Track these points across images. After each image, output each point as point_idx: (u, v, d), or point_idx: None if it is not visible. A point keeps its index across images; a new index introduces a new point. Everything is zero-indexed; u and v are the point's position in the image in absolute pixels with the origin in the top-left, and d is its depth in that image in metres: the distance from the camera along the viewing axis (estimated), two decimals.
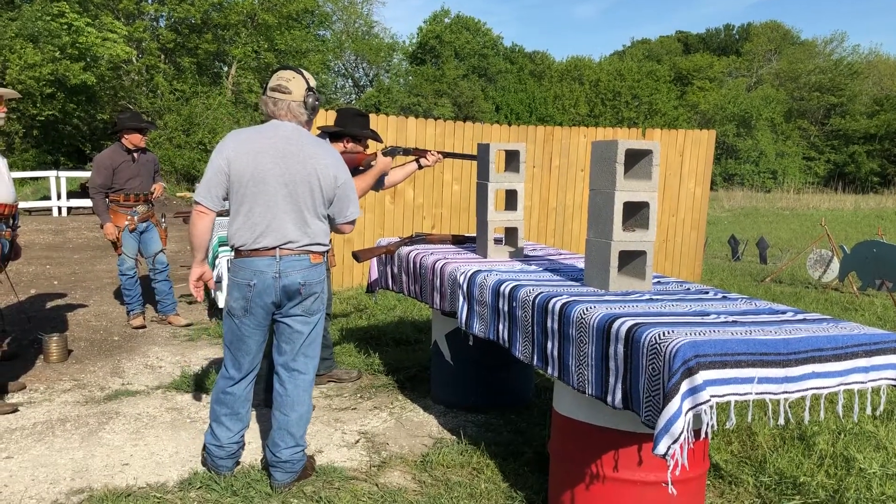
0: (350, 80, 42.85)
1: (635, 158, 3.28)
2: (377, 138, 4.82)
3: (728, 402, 2.40)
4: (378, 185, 4.78)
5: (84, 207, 17.46)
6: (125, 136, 6.33)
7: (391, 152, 4.68)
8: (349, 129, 4.66)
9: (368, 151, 4.73)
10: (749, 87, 51.40)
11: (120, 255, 6.49)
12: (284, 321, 3.36)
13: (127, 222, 6.41)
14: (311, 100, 3.30)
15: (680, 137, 9.62)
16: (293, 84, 3.28)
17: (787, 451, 3.85)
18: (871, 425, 4.14)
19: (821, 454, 3.78)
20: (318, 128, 4.93)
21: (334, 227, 3.45)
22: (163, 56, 26.58)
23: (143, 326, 6.69)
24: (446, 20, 44.82)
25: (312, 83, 3.34)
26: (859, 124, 47.80)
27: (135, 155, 6.40)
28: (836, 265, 9.10)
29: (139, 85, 25.76)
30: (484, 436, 4.12)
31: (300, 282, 3.26)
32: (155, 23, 27.34)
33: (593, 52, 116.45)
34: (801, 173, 45.50)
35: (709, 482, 3.57)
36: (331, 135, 4.63)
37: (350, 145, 4.66)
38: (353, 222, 3.45)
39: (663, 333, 2.46)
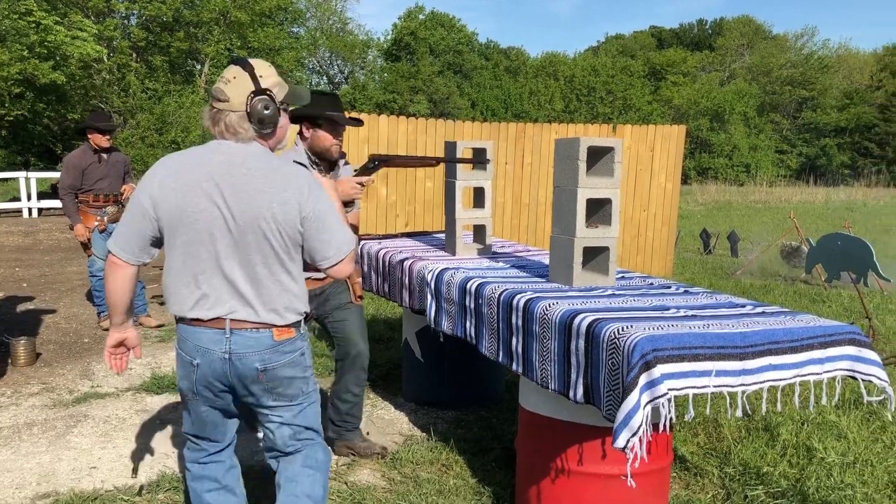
0: (325, 78, 42.68)
1: (598, 155, 3.31)
2: (347, 121, 3.65)
3: (686, 395, 2.44)
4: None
5: (55, 208, 17.25)
6: (90, 136, 6.28)
7: (378, 165, 3.67)
8: (305, 108, 3.42)
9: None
10: (722, 82, 51.87)
11: (90, 256, 6.44)
12: (256, 408, 2.53)
13: (97, 223, 6.36)
14: (260, 107, 2.30)
15: (650, 133, 9.70)
16: (233, 87, 2.31)
17: (752, 442, 3.91)
18: (833, 415, 4.21)
19: (784, 444, 3.84)
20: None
21: (323, 272, 2.51)
22: (134, 55, 26.34)
23: None
24: (420, 17, 44.80)
25: (271, 81, 2.35)
26: (830, 118, 48.46)
27: (102, 155, 6.35)
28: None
29: (111, 84, 25.49)
30: (454, 432, 4.14)
31: (258, 367, 2.38)
32: (126, 21, 27.08)
33: (568, 47, 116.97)
34: (774, 166, 46.03)
35: (675, 474, 3.63)
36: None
37: (310, 133, 3.54)
38: (343, 261, 2.44)
39: (622, 328, 2.50)
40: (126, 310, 2.50)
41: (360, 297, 3.87)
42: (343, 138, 3.68)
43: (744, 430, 4.08)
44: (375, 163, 3.64)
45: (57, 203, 16.00)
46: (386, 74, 42.13)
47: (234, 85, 2.32)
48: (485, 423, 4.25)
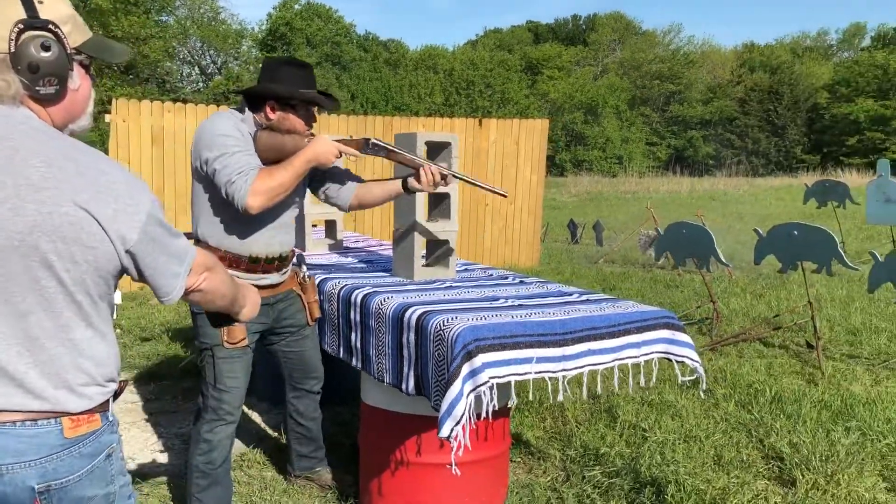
0: (196, 68, 41.29)
1: (437, 150, 3.36)
2: (331, 104, 3.03)
3: (509, 382, 2.51)
4: (336, 197, 3.14)
5: None
6: None
7: (374, 149, 2.94)
8: (271, 85, 2.86)
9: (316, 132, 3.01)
10: (595, 76, 53.70)
11: None
12: None
13: None
14: (34, 47, 1.40)
15: (515, 126, 9.93)
16: None
17: (595, 425, 4.07)
18: (671, 395, 4.45)
19: (622, 425, 4.03)
20: (236, 92, 3.46)
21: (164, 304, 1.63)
22: None
23: None
24: (296, 7, 44.04)
25: (59, 13, 1.45)
26: (696, 111, 51.07)
27: None
28: None
29: None
30: None
31: (34, 486, 1.40)
32: None
33: (447, 41, 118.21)
34: (645, 158, 48.08)
35: (518, 458, 3.73)
36: (249, 102, 2.92)
37: (277, 115, 2.86)
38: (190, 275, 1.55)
39: (447, 320, 2.54)
40: None
41: (315, 319, 3.24)
42: (316, 125, 3.03)
43: (588, 413, 4.25)
44: (370, 147, 2.93)
45: None
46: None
47: None
48: (337, 420, 4.24)
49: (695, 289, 8.24)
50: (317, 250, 4.22)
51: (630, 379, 2.77)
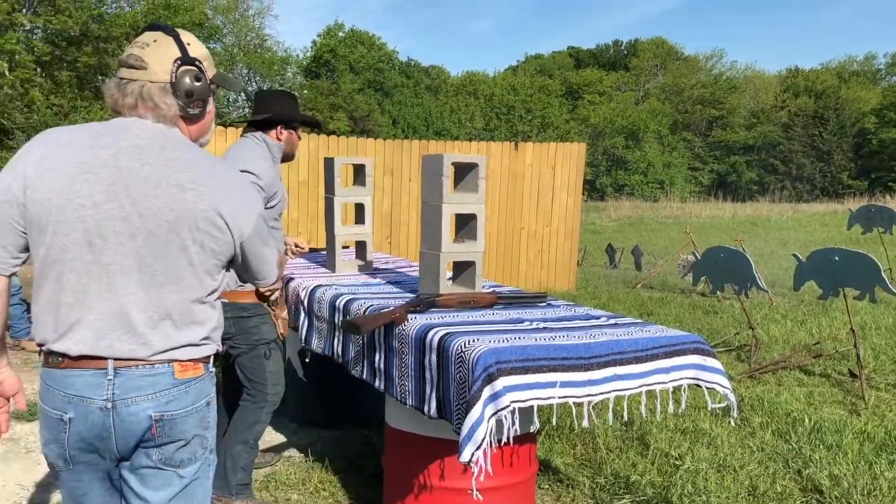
0: (243, 94, 42.07)
1: (464, 171, 3.35)
2: (314, 123, 4.08)
3: (532, 406, 2.46)
4: None
5: None
6: None
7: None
8: (282, 112, 3.54)
9: None
10: (637, 101, 53.45)
11: None
12: (130, 478, 1.86)
13: None
14: (188, 79, 1.82)
15: (552, 151, 9.88)
16: (153, 52, 1.81)
17: (626, 452, 3.98)
18: (705, 423, 4.33)
19: (654, 453, 3.93)
20: (246, 121, 4.26)
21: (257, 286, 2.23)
22: (39, 69, 25.38)
23: None
24: (340, 34, 44.73)
25: (200, 52, 1.88)
26: (739, 136, 50.46)
27: None
28: None
29: (13, 99, 24.44)
30: (333, 451, 4.09)
31: (152, 415, 1.79)
32: (30, 34, 26.12)
33: (488, 66, 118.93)
34: (687, 183, 47.57)
35: (547, 485, 3.66)
36: (259, 127, 3.50)
37: (285, 134, 3.53)
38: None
39: (468, 342, 2.51)
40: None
41: (284, 335, 3.48)
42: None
43: (620, 441, 4.16)
44: (420, 306, 3.12)
45: None
46: (306, 91, 41.83)
47: (155, 49, 1.81)
48: (364, 441, 4.21)
49: (734, 315, 8.06)
50: (346, 271, 4.22)
51: (659, 405, 2.69)
